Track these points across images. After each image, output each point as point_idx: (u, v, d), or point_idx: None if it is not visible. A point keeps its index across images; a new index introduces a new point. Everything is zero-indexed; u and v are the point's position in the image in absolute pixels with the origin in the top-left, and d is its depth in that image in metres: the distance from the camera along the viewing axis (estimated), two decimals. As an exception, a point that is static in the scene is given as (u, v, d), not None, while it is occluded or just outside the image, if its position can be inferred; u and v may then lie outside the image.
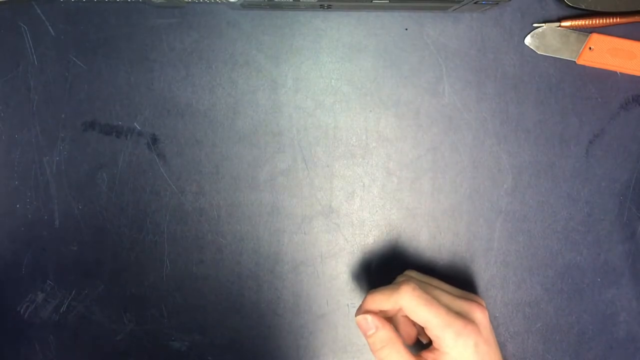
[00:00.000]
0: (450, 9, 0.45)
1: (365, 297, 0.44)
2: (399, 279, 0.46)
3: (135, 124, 0.48)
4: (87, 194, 0.49)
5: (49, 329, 0.46)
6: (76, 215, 0.49)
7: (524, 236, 0.50)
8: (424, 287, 0.43)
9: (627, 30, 0.48)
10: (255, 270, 0.50)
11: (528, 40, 0.48)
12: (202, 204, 0.49)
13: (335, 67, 0.49)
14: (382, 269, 0.50)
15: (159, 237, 0.49)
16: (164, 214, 0.49)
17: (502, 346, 0.51)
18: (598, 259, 0.50)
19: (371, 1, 0.43)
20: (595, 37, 0.47)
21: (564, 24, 0.48)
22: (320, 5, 0.44)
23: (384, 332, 0.41)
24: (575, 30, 0.48)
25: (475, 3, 0.43)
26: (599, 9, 0.47)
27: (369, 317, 0.42)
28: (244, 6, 0.46)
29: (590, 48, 0.47)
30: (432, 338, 0.42)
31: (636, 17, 0.47)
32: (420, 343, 0.46)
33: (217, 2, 0.46)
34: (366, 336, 0.42)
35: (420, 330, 0.46)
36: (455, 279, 0.50)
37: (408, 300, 0.41)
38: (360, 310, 0.43)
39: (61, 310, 0.48)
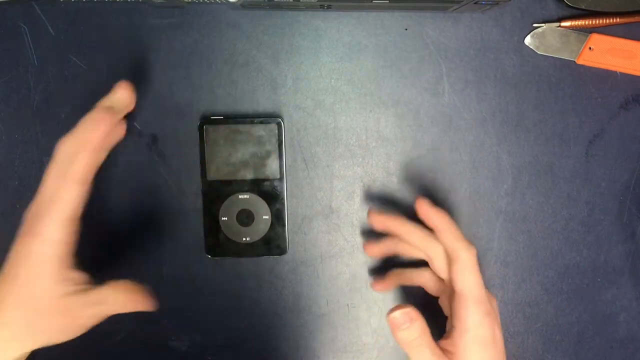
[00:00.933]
0: (450, 9, 0.45)
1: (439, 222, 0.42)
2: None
3: (135, 124, 0.48)
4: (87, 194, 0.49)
5: (48, 329, 0.46)
6: (76, 215, 0.49)
7: (524, 236, 0.50)
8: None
9: (627, 30, 0.48)
10: (255, 270, 0.50)
11: (528, 40, 0.48)
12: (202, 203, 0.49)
13: (335, 67, 0.49)
14: (382, 269, 0.50)
15: (159, 237, 0.49)
16: (164, 214, 0.49)
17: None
18: (598, 259, 0.50)
19: (371, 1, 0.43)
20: (595, 37, 0.47)
21: (563, 24, 0.48)
22: (320, 5, 0.44)
23: (419, 325, 0.39)
24: (575, 30, 0.48)
25: (475, 3, 0.43)
26: (598, 9, 0.47)
27: (407, 310, 0.39)
28: (244, 6, 0.46)
29: (590, 48, 0.47)
30: (457, 310, 0.40)
31: (636, 17, 0.47)
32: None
33: (217, 2, 0.46)
34: (398, 330, 0.39)
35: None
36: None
37: (469, 258, 0.40)
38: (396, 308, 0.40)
39: None
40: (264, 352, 0.51)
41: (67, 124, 0.48)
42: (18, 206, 0.49)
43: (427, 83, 0.49)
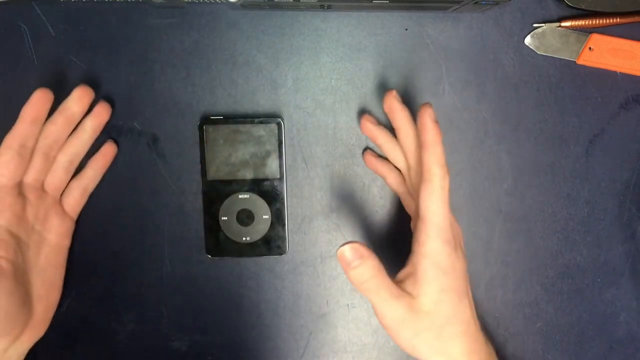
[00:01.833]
0: (450, 9, 0.45)
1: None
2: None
3: (135, 124, 0.48)
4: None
5: (49, 329, 0.46)
6: (76, 215, 0.49)
7: (524, 236, 0.50)
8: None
9: (627, 31, 0.48)
10: (255, 270, 0.50)
11: (528, 41, 0.48)
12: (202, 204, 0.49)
13: (335, 67, 0.49)
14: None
15: (159, 237, 0.49)
16: (164, 214, 0.49)
17: (502, 346, 0.51)
18: (598, 259, 0.50)
19: (371, 1, 0.43)
20: (595, 37, 0.47)
21: (564, 24, 0.48)
22: (320, 5, 0.44)
23: (371, 263, 0.37)
24: (575, 30, 0.48)
25: (475, 3, 0.43)
26: (598, 9, 0.47)
27: (356, 245, 0.37)
28: (244, 6, 0.46)
29: (590, 48, 0.47)
30: (418, 233, 0.39)
31: (636, 17, 0.47)
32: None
33: (217, 2, 0.46)
34: (349, 268, 0.37)
35: None
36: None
37: (441, 186, 0.38)
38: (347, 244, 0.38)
39: (61, 310, 0.48)
40: (264, 352, 0.51)
41: (67, 124, 0.48)
42: (18, 206, 0.49)
43: (427, 83, 0.49)
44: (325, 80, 0.49)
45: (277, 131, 0.47)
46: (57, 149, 0.45)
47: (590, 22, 0.47)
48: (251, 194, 0.48)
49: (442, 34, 0.48)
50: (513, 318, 0.51)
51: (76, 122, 0.45)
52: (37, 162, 0.44)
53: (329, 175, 0.49)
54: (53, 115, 0.44)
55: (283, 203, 0.48)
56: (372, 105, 0.49)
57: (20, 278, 0.42)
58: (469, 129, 0.49)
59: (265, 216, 0.48)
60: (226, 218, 0.47)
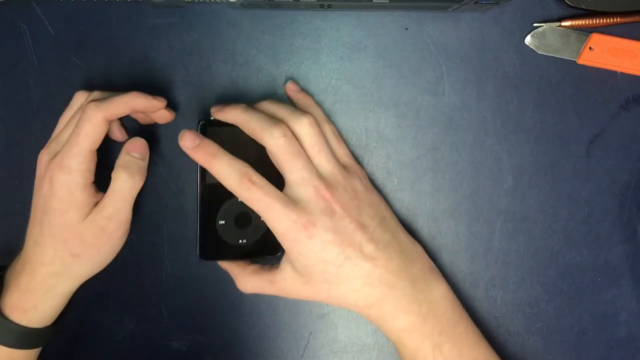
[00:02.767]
0: (450, 9, 0.45)
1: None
2: None
3: (135, 123, 0.48)
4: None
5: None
6: (76, 215, 0.49)
7: (524, 236, 0.50)
8: None
9: (627, 30, 0.48)
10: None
11: (528, 40, 0.48)
12: (202, 204, 0.49)
13: (335, 67, 0.49)
14: (382, 269, 0.50)
15: (159, 237, 0.49)
16: (163, 214, 0.49)
17: (502, 346, 0.51)
18: (598, 259, 0.50)
19: (371, 1, 0.43)
20: (595, 37, 0.47)
21: (564, 23, 0.48)
22: (320, 4, 0.44)
23: (213, 145, 0.41)
24: (576, 30, 0.48)
25: (475, 3, 0.43)
26: (599, 8, 0.47)
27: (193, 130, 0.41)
28: (243, 6, 0.46)
29: (590, 48, 0.47)
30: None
31: (636, 16, 0.47)
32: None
33: (217, 2, 0.46)
34: (192, 151, 0.41)
35: None
36: (455, 279, 0.50)
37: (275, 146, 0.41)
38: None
39: (61, 311, 0.48)
40: (264, 352, 0.51)
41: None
42: (18, 206, 0.49)
43: (427, 83, 0.49)
44: (325, 80, 0.49)
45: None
46: None
47: (591, 21, 0.47)
48: None
49: (442, 33, 0.48)
50: (513, 318, 0.51)
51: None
52: None
53: (329, 175, 0.49)
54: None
55: None
56: (372, 105, 0.49)
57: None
58: (469, 129, 0.49)
59: (261, 218, 0.47)
60: (224, 222, 0.46)
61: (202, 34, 0.48)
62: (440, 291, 0.44)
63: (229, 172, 0.40)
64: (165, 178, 0.49)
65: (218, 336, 0.50)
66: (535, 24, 0.48)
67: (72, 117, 0.43)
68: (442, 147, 0.49)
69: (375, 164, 0.49)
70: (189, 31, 0.48)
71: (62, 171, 0.41)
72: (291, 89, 0.48)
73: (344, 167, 0.44)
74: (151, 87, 0.48)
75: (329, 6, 0.45)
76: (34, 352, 0.44)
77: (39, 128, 0.48)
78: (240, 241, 0.47)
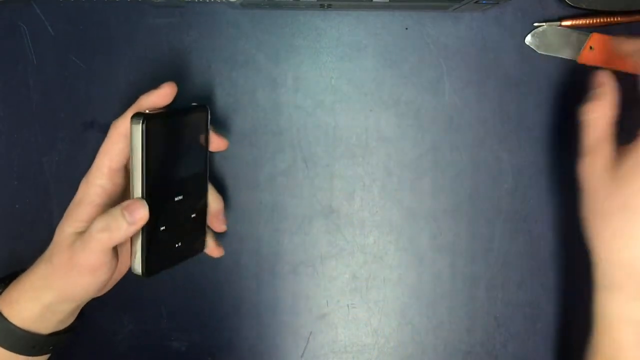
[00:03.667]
0: (451, 9, 0.45)
1: None
2: None
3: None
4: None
5: (48, 329, 0.46)
6: (76, 215, 0.49)
7: (524, 236, 0.50)
8: None
9: (627, 30, 0.48)
10: (255, 270, 0.50)
11: (528, 40, 0.48)
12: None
13: (335, 67, 0.49)
14: (382, 269, 0.50)
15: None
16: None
17: (502, 346, 0.51)
18: (599, 259, 0.50)
19: (371, 0, 0.43)
20: (595, 36, 0.47)
21: (564, 23, 0.47)
22: (320, 4, 0.44)
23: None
24: (576, 29, 0.48)
25: (475, 2, 0.43)
26: (599, 8, 0.47)
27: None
28: (243, 5, 0.45)
29: (590, 47, 0.47)
30: None
31: (637, 16, 0.47)
32: None
33: (217, 2, 0.46)
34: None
35: None
36: (455, 279, 0.50)
37: None
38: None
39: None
40: (264, 352, 0.51)
41: (67, 124, 0.48)
42: (18, 206, 0.49)
43: (427, 83, 0.49)
44: (326, 80, 0.49)
45: (204, 120, 0.43)
46: None
47: (591, 21, 0.47)
48: (185, 194, 0.42)
49: (442, 33, 0.48)
50: (513, 318, 0.51)
51: None
52: None
53: (329, 175, 0.49)
54: None
55: (207, 196, 0.45)
56: (373, 105, 0.49)
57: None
58: (469, 129, 0.49)
59: (193, 215, 0.44)
60: (164, 228, 0.41)
61: (202, 34, 0.48)
62: None
63: None
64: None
65: (218, 336, 0.50)
66: (535, 24, 0.48)
67: None
68: (442, 147, 0.49)
69: (375, 164, 0.49)
70: (189, 31, 0.48)
71: (84, 182, 0.41)
72: None
73: None
74: (151, 87, 0.48)
75: (329, 6, 0.45)
76: None
77: (39, 128, 0.48)
78: (177, 245, 0.43)
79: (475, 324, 0.50)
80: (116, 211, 0.38)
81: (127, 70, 0.48)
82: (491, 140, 0.49)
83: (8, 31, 0.47)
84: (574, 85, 0.49)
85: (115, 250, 0.41)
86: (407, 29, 0.48)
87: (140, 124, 0.37)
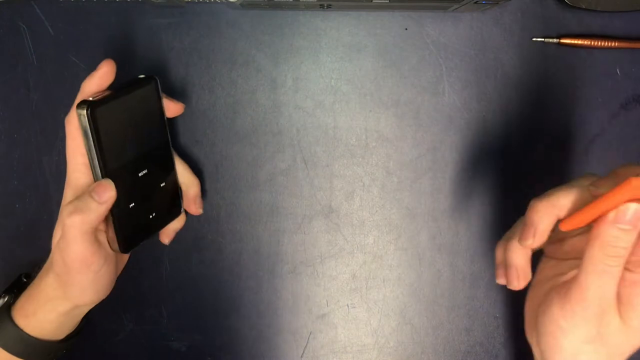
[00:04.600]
0: (450, 9, 0.45)
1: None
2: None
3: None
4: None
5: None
6: (76, 215, 0.49)
7: (524, 236, 0.50)
8: None
9: (631, 55, 0.48)
10: (255, 270, 0.50)
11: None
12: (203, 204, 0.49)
13: (335, 67, 0.49)
14: (382, 269, 0.50)
15: (158, 237, 0.49)
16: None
17: (502, 346, 0.51)
18: (598, 259, 0.50)
19: (371, 1, 0.43)
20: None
21: (563, 40, 0.47)
22: (320, 5, 0.44)
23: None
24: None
25: (475, 3, 0.43)
26: (599, 8, 0.47)
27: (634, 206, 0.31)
28: (243, 6, 0.46)
29: None
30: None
31: (637, 43, 0.47)
32: None
33: (217, 2, 0.46)
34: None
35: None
36: (455, 279, 0.50)
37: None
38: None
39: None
40: (263, 352, 0.51)
41: (67, 124, 0.48)
42: (18, 206, 0.49)
43: (427, 83, 0.49)
44: (325, 80, 0.49)
45: (155, 91, 0.42)
46: None
47: (591, 42, 0.47)
48: (149, 167, 0.42)
49: (442, 33, 0.48)
50: (513, 318, 0.51)
51: None
52: None
53: (329, 175, 0.49)
54: None
55: (173, 162, 0.45)
56: (372, 105, 0.49)
57: None
58: (469, 129, 0.49)
59: (162, 184, 0.44)
60: (134, 204, 0.42)
61: (202, 34, 0.48)
62: None
63: None
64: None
65: (218, 336, 0.50)
66: (534, 39, 0.48)
67: None
68: (442, 147, 0.49)
69: (375, 164, 0.49)
70: (189, 31, 0.48)
71: (67, 185, 0.40)
72: None
73: None
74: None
75: (329, 6, 0.45)
76: None
77: (39, 128, 0.48)
78: (151, 216, 0.44)
79: (475, 324, 0.50)
80: (84, 195, 0.39)
81: (127, 70, 0.48)
82: (491, 140, 0.49)
83: (8, 31, 0.47)
84: (573, 85, 0.49)
85: (99, 239, 0.40)
86: (406, 29, 0.48)
87: (85, 112, 0.37)
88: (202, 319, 0.50)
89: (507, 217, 0.50)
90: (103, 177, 0.39)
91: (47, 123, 0.48)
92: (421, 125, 0.49)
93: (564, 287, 0.35)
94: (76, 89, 0.48)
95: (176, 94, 0.48)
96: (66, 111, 0.48)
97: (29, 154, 0.48)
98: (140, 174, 0.41)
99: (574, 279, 0.34)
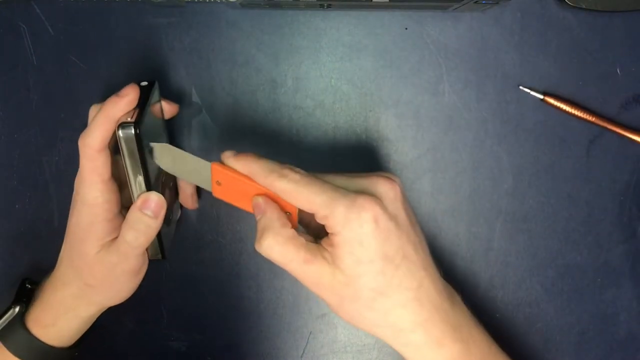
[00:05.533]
0: (450, 9, 0.45)
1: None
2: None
3: (134, 123, 0.48)
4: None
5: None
6: (76, 215, 0.49)
7: (524, 236, 0.50)
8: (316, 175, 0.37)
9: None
10: (255, 270, 0.50)
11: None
12: (202, 204, 0.49)
13: (335, 67, 0.49)
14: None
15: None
16: (163, 214, 0.49)
17: (502, 346, 0.51)
18: (598, 259, 0.50)
19: (371, 0, 0.43)
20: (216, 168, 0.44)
21: (547, 99, 0.48)
22: (320, 4, 0.44)
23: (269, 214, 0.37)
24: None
25: (475, 2, 0.43)
26: (599, 8, 0.47)
27: (260, 199, 0.37)
28: (243, 5, 0.46)
29: (217, 182, 0.41)
30: (323, 223, 0.36)
31: (607, 123, 0.48)
32: None
33: (217, 2, 0.46)
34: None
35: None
36: (455, 279, 0.50)
37: (285, 182, 0.36)
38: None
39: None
40: (263, 352, 0.51)
41: (67, 124, 0.48)
42: (17, 206, 0.49)
43: (427, 83, 0.49)
44: (325, 80, 0.49)
45: (157, 96, 0.43)
46: None
47: (573, 110, 0.47)
48: (163, 171, 0.43)
49: (442, 33, 0.48)
50: (513, 318, 0.51)
51: None
52: None
53: (328, 175, 0.49)
54: None
55: None
56: (372, 105, 0.49)
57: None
58: (469, 129, 0.49)
59: (171, 184, 0.46)
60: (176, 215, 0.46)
61: (201, 33, 0.48)
62: (464, 309, 0.39)
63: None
64: (165, 178, 0.49)
65: (218, 336, 0.50)
66: (521, 87, 0.48)
67: None
68: (442, 147, 0.49)
69: (375, 164, 0.49)
70: (189, 31, 0.48)
71: (83, 204, 0.40)
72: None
73: None
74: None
75: (329, 6, 0.45)
76: None
77: (39, 128, 0.48)
78: (170, 217, 0.45)
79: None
80: (136, 214, 0.40)
81: (127, 70, 0.48)
82: (490, 141, 0.49)
83: (8, 31, 0.47)
84: (573, 85, 0.49)
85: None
86: (406, 29, 0.48)
87: (134, 133, 0.38)
88: (202, 319, 0.50)
89: (507, 217, 0.50)
90: (147, 185, 0.40)
91: (46, 123, 0.48)
92: (421, 125, 0.49)
93: None
94: (76, 89, 0.48)
95: (176, 94, 0.48)
96: (66, 111, 0.48)
97: (29, 154, 0.48)
98: (162, 180, 0.43)
99: None
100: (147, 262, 0.43)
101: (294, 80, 0.48)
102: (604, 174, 0.49)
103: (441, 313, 0.36)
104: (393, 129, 0.49)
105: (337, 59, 0.49)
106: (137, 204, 0.40)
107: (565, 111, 0.48)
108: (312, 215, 0.36)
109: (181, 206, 0.48)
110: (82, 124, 0.48)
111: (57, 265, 0.43)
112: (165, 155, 0.40)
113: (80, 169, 0.40)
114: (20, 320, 0.42)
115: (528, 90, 0.48)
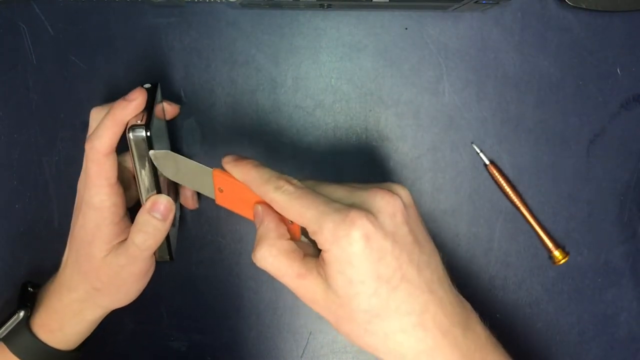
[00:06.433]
0: (451, 9, 0.45)
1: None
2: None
3: (134, 123, 0.48)
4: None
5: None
6: (76, 215, 0.49)
7: (524, 236, 0.50)
8: (311, 185, 0.35)
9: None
10: (255, 270, 0.50)
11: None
12: (202, 204, 0.49)
13: (335, 67, 0.49)
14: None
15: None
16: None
17: (502, 346, 0.51)
18: (598, 259, 0.50)
19: (371, 1, 0.43)
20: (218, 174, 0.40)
21: (491, 167, 0.48)
22: (320, 4, 0.44)
23: (267, 224, 0.35)
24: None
25: (475, 2, 0.43)
26: (599, 8, 0.47)
27: (260, 207, 0.36)
28: (243, 5, 0.46)
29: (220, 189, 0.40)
30: (314, 239, 0.33)
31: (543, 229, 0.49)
32: None
33: (217, 2, 0.46)
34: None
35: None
36: (455, 280, 0.50)
37: (279, 194, 0.34)
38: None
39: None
40: (263, 352, 0.51)
41: (67, 124, 0.48)
42: (17, 206, 0.49)
43: (427, 83, 0.49)
44: (325, 79, 0.49)
45: (160, 97, 0.44)
46: None
47: (505, 188, 0.48)
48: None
49: (442, 33, 0.48)
50: (513, 318, 0.51)
51: None
52: None
53: (328, 175, 0.49)
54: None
55: None
56: (372, 105, 0.49)
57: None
58: (469, 129, 0.49)
59: (173, 185, 0.46)
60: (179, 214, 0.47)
61: (201, 33, 0.48)
62: (480, 332, 0.36)
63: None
64: (165, 178, 0.49)
65: (218, 336, 0.50)
66: (473, 144, 0.48)
67: None
68: (442, 147, 0.49)
69: (376, 164, 0.49)
70: (189, 31, 0.48)
71: (89, 208, 0.39)
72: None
73: None
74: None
75: (329, 6, 0.45)
76: None
77: (39, 128, 0.48)
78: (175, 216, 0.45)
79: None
80: (145, 217, 0.40)
81: (127, 70, 0.48)
82: (490, 141, 0.49)
83: (8, 31, 0.47)
84: (573, 85, 0.49)
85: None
86: (406, 29, 0.48)
87: (145, 136, 0.38)
88: (202, 319, 0.50)
89: (507, 217, 0.50)
90: (157, 188, 0.41)
91: (46, 123, 0.48)
92: (421, 125, 0.49)
93: None
94: (76, 89, 0.48)
95: (176, 94, 0.48)
96: (66, 111, 0.48)
97: (29, 154, 0.48)
98: (168, 181, 0.43)
99: None
100: (154, 264, 0.43)
101: (294, 80, 0.48)
102: (604, 173, 0.49)
103: (450, 339, 0.33)
104: (393, 129, 0.49)
105: (337, 58, 0.49)
106: (147, 206, 0.40)
107: (500, 187, 0.49)
108: None
109: (181, 206, 0.48)
110: (82, 124, 0.48)
111: (61, 269, 0.43)
112: (169, 164, 0.40)
113: (86, 173, 0.40)
114: (25, 325, 0.42)
115: (478, 150, 0.49)
